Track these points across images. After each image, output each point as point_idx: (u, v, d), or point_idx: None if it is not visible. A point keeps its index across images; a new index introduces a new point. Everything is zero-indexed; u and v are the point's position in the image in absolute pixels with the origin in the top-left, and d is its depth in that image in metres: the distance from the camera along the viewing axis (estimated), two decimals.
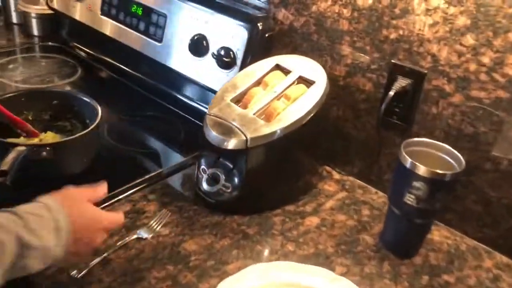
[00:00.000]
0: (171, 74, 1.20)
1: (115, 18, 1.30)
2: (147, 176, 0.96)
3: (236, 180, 0.89)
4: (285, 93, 0.91)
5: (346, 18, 0.96)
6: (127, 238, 0.81)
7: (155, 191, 0.94)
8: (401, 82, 0.91)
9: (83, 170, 0.94)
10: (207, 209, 0.91)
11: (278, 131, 0.85)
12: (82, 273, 0.73)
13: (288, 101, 0.90)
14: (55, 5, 1.48)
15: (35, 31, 1.58)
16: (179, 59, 1.16)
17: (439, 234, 0.93)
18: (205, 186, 0.91)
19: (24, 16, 1.57)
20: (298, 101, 0.90)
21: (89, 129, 0.91)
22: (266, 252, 0.83)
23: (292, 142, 0.89)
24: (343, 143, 1.06)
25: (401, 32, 0.90)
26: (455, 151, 0.81)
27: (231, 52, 1.07)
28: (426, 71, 0.89)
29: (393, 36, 0.91)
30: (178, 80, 1.21)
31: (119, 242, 0.80)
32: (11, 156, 0.75)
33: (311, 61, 0.98)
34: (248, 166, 0.87)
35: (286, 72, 0.96)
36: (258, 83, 0.95)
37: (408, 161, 0.78)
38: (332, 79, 1.01)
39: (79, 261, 0.73)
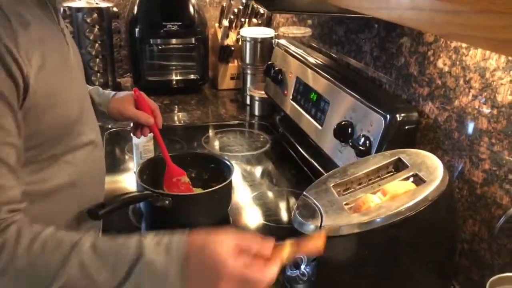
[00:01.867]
0: (323, 157, 1.21)
1: (298, 103, 1.41)
2: None
3: (313, 269, 0.83)
4: (382, 188, 0.81)
5: (485, 115, 0.81)
6: None
7: None
8: None
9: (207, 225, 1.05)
10: None
11: (357, 225, 0.77)
12: None
13: (384, 197, 0.80)
14: (270, 92, 1.70)
15: (256, 111, 1.84)
16: (329, 143, 1.17)
17: None
18: (288, 270, 0.88)
19: (251, 99, 1.86)
20: (398, 198, 0.79)
21: (210, 190, 1.02)
22: None
23: (382, 244, 0.78)
24: (476, 265, 0.85)
25: None
26: None
27: (367, 141, 1.02)
28: None
29: None
30: (328, 163, 1.22)
31: None
32: (123, 196, 0.92)
33: (437, 160, 0.84)
34: (324, 259, 0.81)
35: (402, 167, 0.86)
36: (369, 174, 0.88)
37: None
38: (469, 185, 0.85)
39: None
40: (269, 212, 1.18)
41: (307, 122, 1.33)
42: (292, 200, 1.24)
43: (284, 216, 1.18)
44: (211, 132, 1.67)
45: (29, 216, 0.68)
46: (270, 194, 1.26)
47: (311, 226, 0.80)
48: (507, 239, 0.78)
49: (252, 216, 1.16)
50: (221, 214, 1.10)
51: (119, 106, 1.03)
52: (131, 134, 1.13)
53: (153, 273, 0.61)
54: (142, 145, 1.26)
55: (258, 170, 1.40)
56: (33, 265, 0.62)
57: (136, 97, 1.05)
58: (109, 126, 1.59)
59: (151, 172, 1.10)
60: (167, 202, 0.99)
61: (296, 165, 1.41)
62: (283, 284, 0.88)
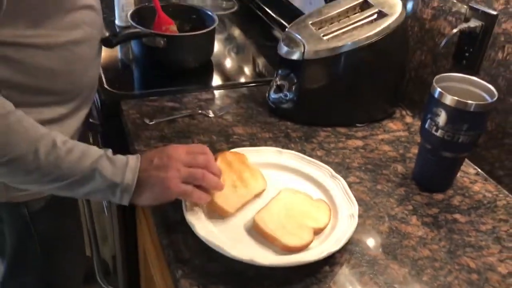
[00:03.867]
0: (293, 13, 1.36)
1: None
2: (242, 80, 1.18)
3: (294, 90, 1.02)
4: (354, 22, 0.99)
5: None
6: (195, 112, 1.03)
7: (239, 93, 1.13)
8: (471, 23, 0.90)
9: (193, 67, 1.20)
10: (268, 112, 1.06)
11: (334, 48, 0.95)
12: (152, 122, 0.98)
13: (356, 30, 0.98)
14: None
15: None
16: None
17: (482, 186, 0.90)
18: (271, 93, 1.07)
19: None
20: (365, 27, 0.97)
21: (200, 32, 1.15)
22: (294, 150, 0.95)
23: (352, 66, 0.98)
24: (421, 88, 1.07)
25: None
26: (489, 85, 0.79)
27: None
28: (497, 13, 0.86)
29: None
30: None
31: (189, 111, 1.02)
32: (129, 30, 1.04)
33: (398, 0, 1.02)
34: (304, 78, 1.00)
35: (368, 6, 1.03)
36: (340, 14, 1.05)
37: (436, 91, 0.80)
38: (419, 22, 1.04)
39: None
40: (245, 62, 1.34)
41: None
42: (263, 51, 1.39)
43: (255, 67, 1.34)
44: None
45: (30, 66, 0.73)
46: (245, 45, 1.42)
47: (296, 52, 0.98)
48: (445, 60, 1.00)
49: (229, 63, 1.31)
50: (207, 58, 1.25)
51: None
52: None
53: (114, 161, 0.70)
54: None
55: (231, 30, 1.53)
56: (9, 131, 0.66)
57: None
58: None
59: (140, 20, 1.20)
60: (162, 42, 1.12)
61: (265, 23, 1.55)
62: (269, 105, 1.07)
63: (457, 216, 0.83)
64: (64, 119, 0.83)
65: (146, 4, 1.28)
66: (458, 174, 0.92)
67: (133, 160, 0.71)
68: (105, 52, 0.96)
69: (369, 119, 1.06)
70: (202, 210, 0.75)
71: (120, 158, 0.72)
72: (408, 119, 1.09)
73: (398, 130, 1.05)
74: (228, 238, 0.71)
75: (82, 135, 0.93)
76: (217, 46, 1.29)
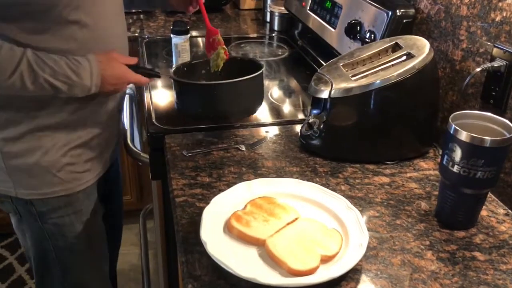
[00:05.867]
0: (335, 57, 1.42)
1: (315, 12, 1.60)
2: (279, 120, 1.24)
3: (323, 127, 1.07)
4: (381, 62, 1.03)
5: (465, 3, 1.01)
6: (230, 145, 1.10)
7: (275, 130, 1.20)
8: (495, 63, 0.91)
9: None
10: (299, 148, 1.11)
11: (360, 87, 0.99)
12: (190, 153, 1.06)
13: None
14: (289, 6, 1.89)
15: (276, 26, 2.03)
16: (340, 42, 1.38)
17: (509, 226, 0.88)
18: (303, 130, 1.12)
19: (271, 15, 2.04)
20: (393, 68, 1.01)
21: (247, 77, 1.20)
22: (319, 183, 0.98)
23: (378, 105, 1.01)
24: None
25: (504, 14, 0.90)
26: (507, 121, 0.79)
27: (372, 35, 1.23)
28: None
29: (498, 18, 0.92)
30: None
31: (224, 145, 1.10)
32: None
33: (425, 41, 1.05)
34: (332, 115, 1.04)
35: (399, 48, 1.07)
36: (371, 56, 1.10)
37: (452, 127, 0.81)
38: (451, 63, 1.06)
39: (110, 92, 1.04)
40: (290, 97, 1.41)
41: (322, 27, 1.52)
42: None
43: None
44: (233, 43, 1.87)
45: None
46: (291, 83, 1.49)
47: (324, 91, 1.04)
48: (475, 101, 1.00)
49: (273, 104, 1.39)
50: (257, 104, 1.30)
51: None
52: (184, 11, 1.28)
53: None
54: (180, 45, 1.48)
55: (280, 70, 1.63)
56: None
57: None
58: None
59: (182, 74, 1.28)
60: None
61: (311, 67, 1.62)
62: (301, 142, 1.12)
63: (477, 254, 0.81)
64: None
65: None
66: (486, 214, 0.90)
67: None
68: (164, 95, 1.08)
69: (399, 157, 1.08)
70: (220, 230, 0.81)
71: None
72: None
73: (429, 169, 1.05)
74: (239, 258, 0.76)
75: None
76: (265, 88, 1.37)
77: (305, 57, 1.71)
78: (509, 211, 0.92)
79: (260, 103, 1.27)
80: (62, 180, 1.06)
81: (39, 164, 1.02)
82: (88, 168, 1.11)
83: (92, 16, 0.98)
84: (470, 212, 0.86)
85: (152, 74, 1.15)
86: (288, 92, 1.46)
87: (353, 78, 1.03)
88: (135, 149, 1.29)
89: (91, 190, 1.13)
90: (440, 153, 1.09)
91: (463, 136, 0.79)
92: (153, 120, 1.22)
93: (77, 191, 1.09)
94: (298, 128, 1.19)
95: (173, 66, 1.30)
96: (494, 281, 0.76)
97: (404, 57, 1.05)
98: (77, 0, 0.93)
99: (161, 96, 1.38)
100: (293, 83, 1.53)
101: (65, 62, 0.94)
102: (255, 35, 1.97)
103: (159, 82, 1.48)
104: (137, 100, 1.54)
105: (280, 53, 1.77)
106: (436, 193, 0.96)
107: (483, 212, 0.90)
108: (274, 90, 1.45)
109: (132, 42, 1.91)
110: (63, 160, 1.05)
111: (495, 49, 0.93)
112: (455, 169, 0.81)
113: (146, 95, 1.37)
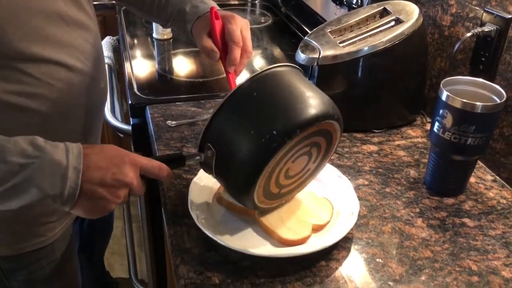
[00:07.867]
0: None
1: None
2: None
3: None
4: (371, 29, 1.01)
5: None
6: None
7: None
8: (485, 28, 0.89)
9: None
10: None
11: (349, 53, 0.97)
12: (175, 124, 1.03)
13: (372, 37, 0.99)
14: None
15: None
16: (326, 8, 1.35)
17: (497, 192, 0.88)
18: None
19: None
20: (381, 33, 0.99)
21: None
22: None
23: (367, 72, 0.99)
24: None
25: None
26: (498, 87, 0.78)
27: (359, 0, 1.20)
28: (511, 17, 0.85)
29: None
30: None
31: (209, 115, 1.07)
32: None
33: (415, 6, 1.03)
34: (319, 83, 1.02)
35: (387, 14, 1.05)
36: (359, 22, 1.07)
37: (444, 93, 0.80)
38: (439, 29, 1.04)
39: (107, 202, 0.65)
40: None
41: None
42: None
43: None
44: None
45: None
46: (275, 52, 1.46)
47: (311, 58, 1.01)
48: (464, 67, 0.99)
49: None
50: None
51: (198, 29, 0.86)
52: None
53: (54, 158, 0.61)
54: None
55: (263, 39, 1.59)
56: None
57: (212, 23, 0.82)
58: None
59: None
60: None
61: (295, 35, 1.59)
62: None
63: (466, 220, 0.81)
64: None
65: None
66: (474, 180, 0.90)
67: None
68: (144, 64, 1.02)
69: (387, 125, 1.06)
70: (209, 202, 0.79)
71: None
72: (429, 126, 1.08)
73: (417, 137, 1.04)
74: (229, 229, 0.74)
75: None
76: None
77: (289, 24, 1.67)
78: (497, 177, 0.92)
79: None
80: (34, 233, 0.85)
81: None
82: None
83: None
84: (460, 179, 0.86)
85: (175, 158, 0.73)
86: (272, 61, 1.43)
87: (341, 45, 1.01)
88: (115, 121, 1.25)
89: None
90: (427, 120, 1.09)
91: (455, 102, 0.78)
92: (135, 90, 1.18)
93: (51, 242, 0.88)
94: None
95: None
96: (483, 246, 0.76)
97: (393, 23, 1.03)
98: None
99: (142, 65, 1.33)
100: (277, 52, 1.50)
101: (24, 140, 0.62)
102: (236, 2, 1.92)
103: (138, 52, 1.43)
104: (117, 70, 1.49)
105: (263, 20, 1.72)
106: (425, 160, 0.96)
107: (472, 179, 0.90)
108: (256, 60, 1.42)
109: (110, 10, 1.85)
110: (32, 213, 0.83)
111: (485, 14, 0.91)
112: (446, 135, 0.80)
113: (126, 65, 1.33)
